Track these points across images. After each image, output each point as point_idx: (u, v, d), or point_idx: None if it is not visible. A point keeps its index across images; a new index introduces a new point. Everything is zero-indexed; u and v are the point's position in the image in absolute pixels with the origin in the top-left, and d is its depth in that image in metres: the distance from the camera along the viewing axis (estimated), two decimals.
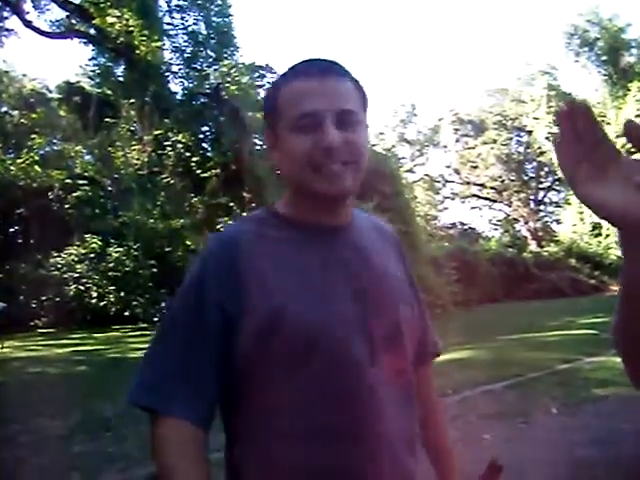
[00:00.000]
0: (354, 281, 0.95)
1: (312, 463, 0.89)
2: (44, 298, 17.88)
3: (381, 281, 0.99)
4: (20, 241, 21.34)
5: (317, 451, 0.89)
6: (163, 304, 18.03)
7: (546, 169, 34.64)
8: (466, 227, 34.66)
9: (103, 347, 12.48)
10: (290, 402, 0.90)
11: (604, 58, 28.84)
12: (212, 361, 0.93)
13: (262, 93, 22.99)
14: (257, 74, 21.59)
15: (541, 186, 36.46)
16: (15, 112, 22.67)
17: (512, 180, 35.46)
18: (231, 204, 19.13)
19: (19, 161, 20.30)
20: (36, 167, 20.11)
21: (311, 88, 0.92)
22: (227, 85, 20.10)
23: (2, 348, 10.77)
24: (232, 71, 20.26)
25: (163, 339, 0.99)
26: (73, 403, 6.47)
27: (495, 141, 34.40)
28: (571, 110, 0.55)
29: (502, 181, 35.50)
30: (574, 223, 29.75)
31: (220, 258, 0.95)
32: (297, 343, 0.90)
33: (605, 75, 28.68)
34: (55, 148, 22.99)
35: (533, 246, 29.80)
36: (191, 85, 21.55)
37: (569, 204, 31.16)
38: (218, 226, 18.39)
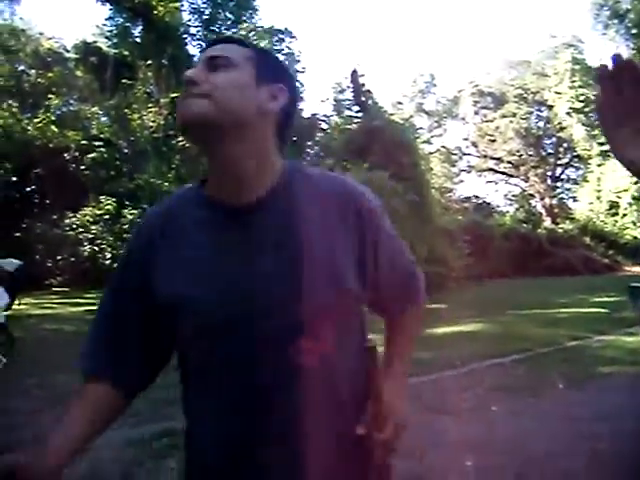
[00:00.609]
0: (257, 264, 0.94)
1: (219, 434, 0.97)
2: (59, 258, 18.13)
3: (291, 262, 0.94)
4: (36, 200, 21.53)
5: (224, 425, 0.96)
6: None
7: (565, 145, 34.05)
8: (481, 201, 34.38)
9: None
10: (202, 382, 0.98)
11: (634, 31, 27.93)
12: (129, 330, 1.03)
13: (280, 57, 22.76)
14: (276, 38, 21.32)
15: (559, 162, 35.89)
16: (32, 71, 22.60)
17: (530, 155, 34.92)
18: None
19: (36, 121, 20.33)
20: (53, 127, 20.15)
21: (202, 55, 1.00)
22: None
23: (19, 305, 10.96)
24: (251, 34, 20.01)
25: (97, 311, 1.11)
26: None
27: (515, 115, 33.76)
28: (618, 67, 0.52)
29: (520, 156, 34.98)
30: (591, 201, 29.36)
31: (140, 241, 1.03)
32: (197, 329, 0.95)
33: (634, 49, 27.79)
34: (71, 109, 22.97)
35: (548, 222, 29.51)
36: None
37: (587, 181, 30.71)
38: None
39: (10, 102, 21.49)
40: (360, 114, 19.64)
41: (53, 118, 20.68)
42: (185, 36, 21.44)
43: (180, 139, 19.62)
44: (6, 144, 19.50)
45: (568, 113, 30.24)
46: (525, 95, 33.93)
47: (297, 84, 1.14)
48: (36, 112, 21.08)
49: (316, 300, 0.93)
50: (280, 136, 1.00)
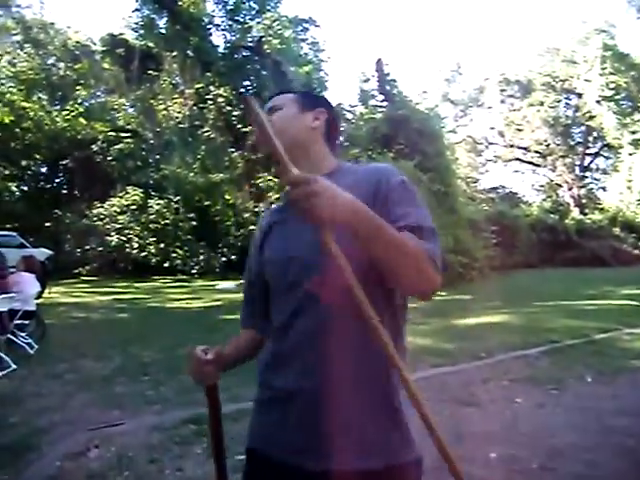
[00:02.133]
0: (300, 232, 1.21)
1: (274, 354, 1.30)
2: (88, 247, 18.49)
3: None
4: (65, 191, 21.96)
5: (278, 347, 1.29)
6: (202, 257, 18.41)
7: (594, 134, 33.27)
8: (507, 191, 33.91)
9: (143, 296, 12.87)
10: (272, 312, 1.35)
11: None
12: (253, 294, 1.44)
13: (305, 47, 22.65)
14: (300, 27, 21.23)
15: (588, 152, 35.13)
16: (61, 64, 22.96)
17: (558, 144, 34.23)
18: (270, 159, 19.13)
19: (64, 113, 20.68)
20: (81, 119, 20.47)
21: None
22: (269, 38, 19.85)
23: (49, 293, 11.23)
24: (275, 24, 19.96)
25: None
26: (114, 347, 6.75)
27: (542, 103, 33.09)
28: None
29: (547, 145, 34.32)
30: (621, 191, 28.69)
31: (259, 227, 1.45)
32: (269, 280, 1.35)
33: None
34: (99, 100, 23.29)
35: (576, 213, 28.97)
36: (233, 38, 21.34)
37: (617, 171, 30.01)
38: (257, 181, 18.49)
39: (40, 95, 21.89)
40: (385, 103, 19.49)
41: (81, 110, 21.01)
42: (209, 27, 21.48)
43: (205, 129, 19.76)
44: (36, 136, 19.89)
45: (598, 101, 29.50)
46: (553, 83, 33.19)
47: (334, 108, 1.47)
48: (64, 104, 21.42)
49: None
50: (329, 141, 1.40)
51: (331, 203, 1.00)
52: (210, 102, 19.89)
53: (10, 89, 20.41)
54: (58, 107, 21.85)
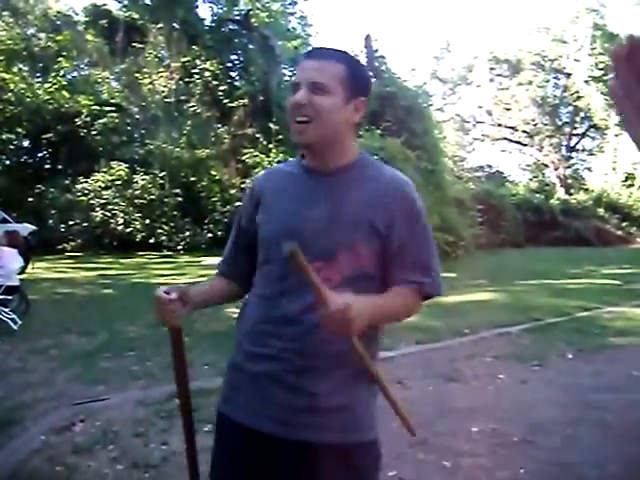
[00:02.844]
0: (311, 208, 1.29)
1: (259, 316, 1.33)
2: (72, 223, 18.26)
3: (333, 213, 1.28)
4: (49, 166, 21.60)
5: (264, 311, 1.32)
6: (187, 233, 18.31)
7: (582, 114, 33.37)
8: (494, 170, 34.02)
9: (128, 272, 12.79)
10: (259, 279, 1.38)
11: None
12: (238, 247, 1.48)
13: (293, 21, 22.30)
14: (288, 1, 20.87)
15: (575, 132, 35.26)
16: (42, 34, 22.36)
17: (545, 124, 34.29)
18: (257, 135, 18.95)
19: (46, 85, 20.22)
20: (63, 92, 20.04)
21: (303, 65, 1.32)
22: (257, 12, 19.50)
23: (33, 268, 11.11)
24: None
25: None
26: (99, 323, 6.72)
27: (531, 82, 33.02)
28: (631, 47, 0.48)
29: (535, 125, 34.36)
30: (606, 172, 28.93)
31: (251, 189, 1.47)
32: (264, 243, 1.35)
33: None
34: (82, 73, 22.78)
35: (561, 193, 29.20)
36: (220, 11, 20.94)
37: (602, 152, 30.21)
38: (244, 157, 18.34)
39: (20, 66, 21.35)
40: (373, 80, 19.33)
41: (64, 83, 20.54)
42: None
43: (192, 104, 19.48)
44: (18, 109, 19.46)
45: (586, 81, 29.53)
46: (542, 62, 33.12)
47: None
48: (46, 77, 20.93)
49: (338, 237, 1.27)
50: (356, 130, 1.40)
51: (360, 323, 1.13)
52: (196, 76, 19.57)
53: None
54: (40, 79, 21.36)
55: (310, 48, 1.45)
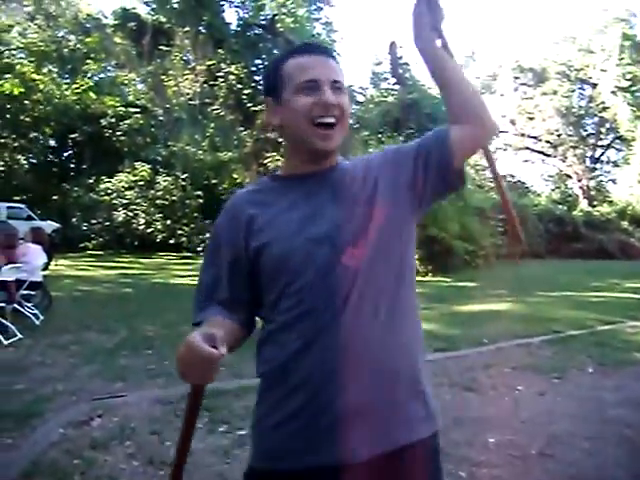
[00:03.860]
0: (319, 209, 1.16)
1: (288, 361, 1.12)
2: (94, 221, 18.55)
3: (349, 204, 1.17)
4: (73, 165, 21.97)
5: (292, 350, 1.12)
6: (207, 235, 18.47)
7: (607, 125, 32.89)
8: (516, 180, 33.68)
9: (148, 272, 12.93)
10: (276, 307, 1.16)
11: None
12: (238, 283, 1.23)
13: (318, 27, 22.38)
14: (314, 7, 20.94)
15: (600, 143, 34.75)
16: (72, 37, 22.80)
17: (569, 135, 33.86)
18: (280, 139, 19.01)
19: (74, 86, 20.59)
20: (90, 93, 20.38)
21: (313, 62, 1.19)
22: (283, 17, 19.61)
23: (56, 265, 11.29)
24: (288, 2, 19.69)
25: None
26: (119, 321, 6.80)
27: (555, 92, 32.65)
28: None
29: (559, 135, 33.94)
30: (631, 185, 28.43)
31: (228, 214, 1.25)
32: (274, 267, 1.15)
33: None
34: (109, 75, 23.16)
35: (584, 205, 28.78)
36: (246, 15, 21.08)
37: (628, 164, 29.71)
38: (265, 161, 18.44)
39: (50, 67, 21.79)
40: (397, 87, 19.30)
41: (91, 84, 20.91)
42: (223, 3, 21.20)
43: (215, 107, 19.65)
44: (46, 109, 19.84)
45: (613, 92, 29.10)
46: (568, 72, 32.73)
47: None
48: (74, 78, 21.32)
49: (359, 218, 1.16)
50: None
51: None
52: (221, 80, 19.72)
53: (20, 60, 20.32)
54: (68, 80, 21.76)
55: (302, 44, 1.33)
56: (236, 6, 21.40)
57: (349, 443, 1.09)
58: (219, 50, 19.92)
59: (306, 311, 1.10)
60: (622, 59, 28.24)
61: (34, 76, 19.69)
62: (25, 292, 6.50)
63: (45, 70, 21.15)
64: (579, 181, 33.34)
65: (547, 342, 6.28)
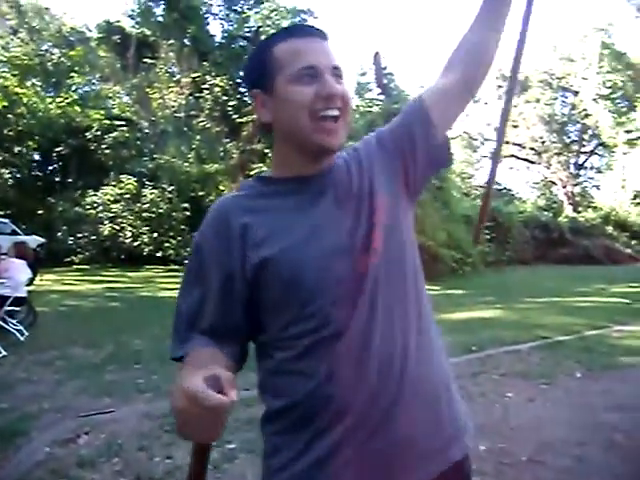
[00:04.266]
0: (326, 216, 1.02)
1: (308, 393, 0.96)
2: (80, 235, 18.37)
3: (352, 205, 1.04)
4: (58, 179, 21.79)
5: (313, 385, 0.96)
6: None
7: (590, 132, 33.36)
8: (502, 187, 33.97)
9: (135, 285, 12.83)
10: (286, 339, 0.99)
11: None
12: (232, 309, 1.02)
13: None
14: (298, 18, 21.05)
15: (583, 150, 35.22)
16: (55, 50, 22.72)
17: (553, 142, 34.28)
18: (266, 150, 19.04)
19: (59, 100, 20.48)
20: (75, 106, 20.28)
21: (309, 45, 1.02)
22: (267, 29, 19.69)
23: (40, 280, 11.16)
24: (273, 14, 19.80)
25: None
26: (105, 336, 6.73)
27: (538, 100, 33.09)
28: None
29: (543, 142, 34.35)
30: (614, 190, 28.81)
31: (214, 224, 1.05)
32: (284, 287, 0.98)
33: None
34: (94, 88, 23.09)
35: (569, 211, 29.08)
36: (231, 28, 21.19)
37: (611, 170, 30.12)
38: (252, 172, 18.44)
39: (34, 81, 21.66)
40: (382, 97, 19.43)
41: (75, 97, 20.81)
42: (207, 15, 21.33)
43: (201, 119, 19.64)
44: (30, 122, 19.70)
45: (594, 99, 29.56)
46: (550, 80, 33.21)
47: None
48: (59, 91, 21.22)
49: (366, 222, 1.03)
50: None
51: None
52: (206, 92, 19.76)
53: (3, 74, 20.19)
54: (52, 94, 21.64)
55: (292, 25, 1.20)
56: (221, 19, 21.54)
57: (400, 475, 0.97)
58: (204, 62, 19.98)
59: (330, 334, 0.95)
60: (602, 67, 28.73)
61: (17, 90, 19.55)
62: (9, 308, 6.42)
63: (29, 83, 21.02)
64: (564, 187, 33.72)
65: (535, 348, 6.31)
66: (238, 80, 20.45)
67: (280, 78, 1.01)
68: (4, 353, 5.58)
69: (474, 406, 4.25)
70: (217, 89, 19.70)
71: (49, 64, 22.13)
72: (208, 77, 19.92)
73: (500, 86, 34.69)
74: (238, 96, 20.04)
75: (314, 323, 0.95)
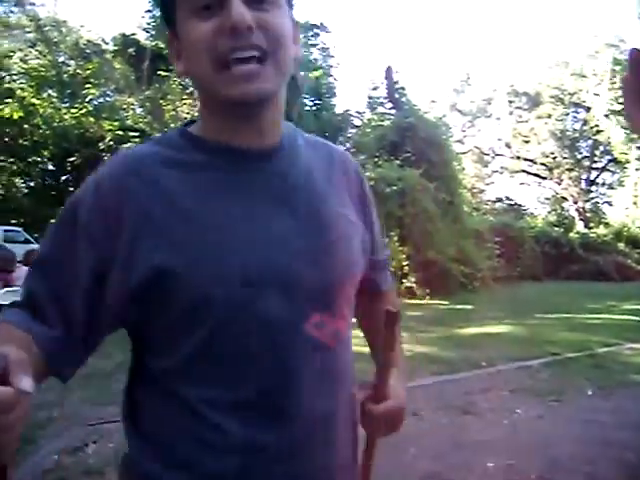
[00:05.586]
0: (275, 219, 0.78)
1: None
2: None
3: (315, 217, 0.81)
4: (72, 189, 22.01)
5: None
6: None
7: (601, 148, 33.25)
8: (512, 203, 33.88)
9: None
10: (186, 368, 0.79)
11: None
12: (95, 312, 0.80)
13: (315, 52, 22.72)
14: (311, 33, 21.28)
15: (594, 166, 35.06)
16: (72, 62, 23.08)
17: (565, 158, 34.18)
18: None
19: (73, 110, 20.77)
20: (89, 117, 20.56)
21: None
22: None
23: None
24: None
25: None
26: (115, 344, 6.71)
27: (550, 116, 33.07)
28: None
29: (554, 158, 34.27)
30: (626, 207, 28.61)
31: (112, 184, 0.81)
32: (190, 311, 0.75)
33: None
34: (108, 99, 23.40)
35: (580, 227, 28.90)
36: None
37: (623, 186, 29.95)
38: None
39: (50, 92, 22.01)
40: (393, 111, 19.51)
41: (90, 108, 21.09)
42: None
43: None
44: (45, 133, 19.98)
45: (606, 115, 29.49)
46: (561, 96, 33.21)
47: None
48: (74, 102, 21.53)
49: (335, 272, 0.81)
50: None
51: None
52: None
53: (21, 85, 20.52)
54: (67, 104, 21.96)
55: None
56: None
57: None
58: None
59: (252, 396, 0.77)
60: (614, 83, 28.67)
61: (34, 100, 19.86)
62: None
63: (45, 95, 21.36)
64: (575, 203, 33.56)
65: (545, 365, 6.26)
66: None
67: (180, 13, 0.75)
68: None
69: (483, 422, 4.22)
70: None
71: (65, 76, 22.49)
72: None
73: (512, 101, 34.77)
74: None
75: (229, 378, 0.80)
